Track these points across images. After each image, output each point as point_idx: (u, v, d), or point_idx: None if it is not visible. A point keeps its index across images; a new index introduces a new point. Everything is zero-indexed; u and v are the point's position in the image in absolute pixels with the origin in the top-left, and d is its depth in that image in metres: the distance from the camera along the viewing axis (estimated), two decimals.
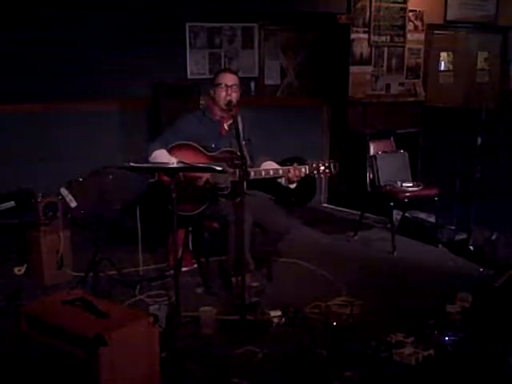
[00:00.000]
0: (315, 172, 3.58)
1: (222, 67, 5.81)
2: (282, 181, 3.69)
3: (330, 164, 3.57)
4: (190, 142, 3.74)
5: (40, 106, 5.07)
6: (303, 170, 3.58)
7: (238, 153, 3.28)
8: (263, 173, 3.63)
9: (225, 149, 3.72)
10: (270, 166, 3.72)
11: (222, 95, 3.73)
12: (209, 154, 3.73)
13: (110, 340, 2.31)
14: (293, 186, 3.67)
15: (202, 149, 3.74)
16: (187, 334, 3.21)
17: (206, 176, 3.64)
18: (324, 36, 6.41)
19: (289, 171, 3.58)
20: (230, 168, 3.52)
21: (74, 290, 2.89)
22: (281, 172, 3.63)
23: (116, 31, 5.30)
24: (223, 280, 3.93)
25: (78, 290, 2.97)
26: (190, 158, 3.63)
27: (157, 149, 3.68)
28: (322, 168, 3.57)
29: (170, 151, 3.69)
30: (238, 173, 3.31)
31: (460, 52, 7.44)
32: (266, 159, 3.83)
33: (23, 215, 4.28)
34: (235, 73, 3.90)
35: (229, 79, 3.76)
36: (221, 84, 3.75)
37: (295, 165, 3.62)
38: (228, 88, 3.73)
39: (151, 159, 3.65)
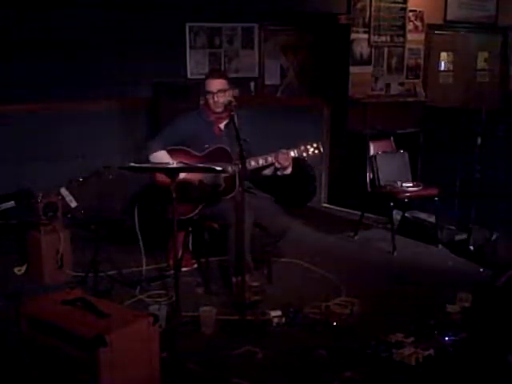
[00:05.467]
0: (304, 154, 3.65)
1: (222, 67, 5.82)
2: (278, 172, 3.70)
3: (318, 145, 3.67)
4: (181, 147, 3.75)
5: (40, 105, 5.06)
6: (292, 153, 3.61)
7: (234, 152, 3.30)
8: (253, 163, 3.64)
9: (213, 147, 3.73)
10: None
11: (210, 102, 3.77)
12: (199, 154, 3.75)
13: (110, 340, 2.31)
14: (288, 171, 3.68)
15: (192, 151, 3.75)
16: (187, 334, 3.21)
17: (198, 177, 3.65)
18: (324, 36, 6.40)
19: (277, 156, 3.60)
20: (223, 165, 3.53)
21: (74, 290, 2.89)
22: (270, 159, 3.64)
23: (116, 31, 5.29)
24: (223, 280, 3.93)
25: (77, 289, 2.96)
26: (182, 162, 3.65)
27: (157, 149, 3.71)
28: (312, 150, 3.66)
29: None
30: (230, 168, 3.40)
31: (460, 52, 7.44)
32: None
33: (23, 215, 4.28)
34: (221, 76, 3.85)
35: (213, 86, 3.75)
36: (207, 91, 3.76)
37: (282, 149, 3.63)
38: (214, 95, 3.73)
39: (151, 159, 3.68)
